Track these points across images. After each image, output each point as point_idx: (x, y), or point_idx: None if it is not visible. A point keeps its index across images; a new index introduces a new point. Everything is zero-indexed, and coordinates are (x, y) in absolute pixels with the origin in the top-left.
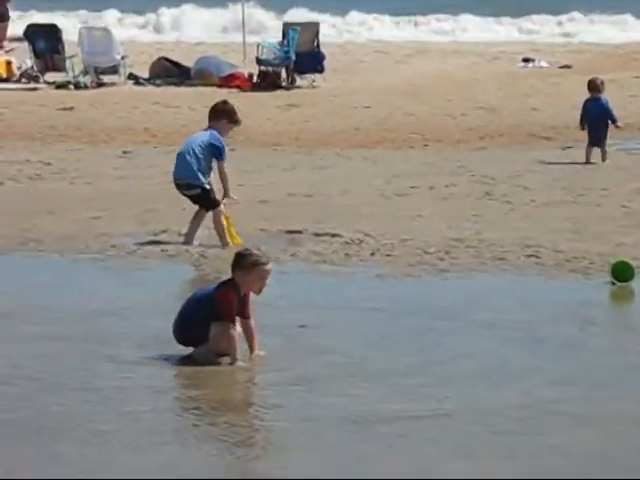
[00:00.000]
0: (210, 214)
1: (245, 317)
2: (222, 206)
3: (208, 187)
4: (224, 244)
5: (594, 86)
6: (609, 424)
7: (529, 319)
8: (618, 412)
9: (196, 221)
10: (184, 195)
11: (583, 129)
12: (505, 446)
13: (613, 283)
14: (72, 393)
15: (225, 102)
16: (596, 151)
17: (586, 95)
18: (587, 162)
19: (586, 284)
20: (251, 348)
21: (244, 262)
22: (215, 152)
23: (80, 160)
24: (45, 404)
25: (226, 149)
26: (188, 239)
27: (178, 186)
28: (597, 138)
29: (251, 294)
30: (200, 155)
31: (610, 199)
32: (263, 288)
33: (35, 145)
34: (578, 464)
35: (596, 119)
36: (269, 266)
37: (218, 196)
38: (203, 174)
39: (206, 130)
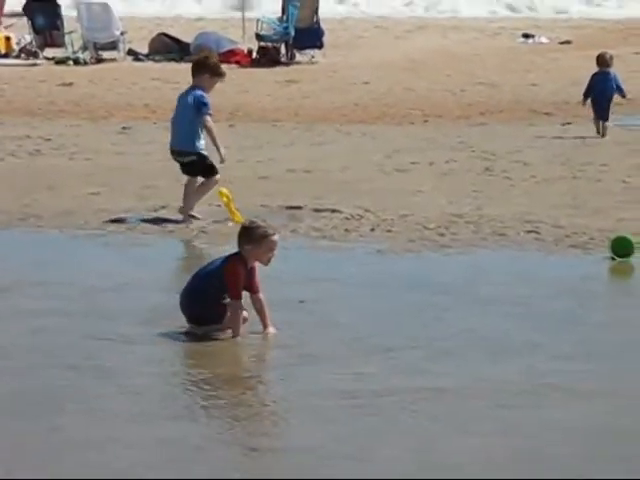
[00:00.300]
0: (200, 180)
1: (254, 292)
2: (217, 176)
3: (204, 153)
4: (185, 210)
5: (603, 60)
6: (610, 399)
7: (529, 294)
8: (619, 387)
9: (188, 194)
10: (178, 162)
11: (584, 104)
12: (507, 421)
13: (613, 258)
14: (73, 368)
15: (207, 57)
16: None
17: (587, 70)
18: (598, 133)
19: (586, 259)
20: (264, 324)
21: (253, 235)
22: (198, 108)
23: (79, 136)
24: (45, 379)
25: (209, 103)
26: (185, 216)
27: (173, 153)
28: (603, 112)
29: (257, 269)
30: (188, 119)
31: (610, 175)
32: (271, 259)
33: (35, 121)
34: (580, 439)
35: (602, 93)
36: (277, 237)
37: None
38: (197, 139)
39: (189, 90)
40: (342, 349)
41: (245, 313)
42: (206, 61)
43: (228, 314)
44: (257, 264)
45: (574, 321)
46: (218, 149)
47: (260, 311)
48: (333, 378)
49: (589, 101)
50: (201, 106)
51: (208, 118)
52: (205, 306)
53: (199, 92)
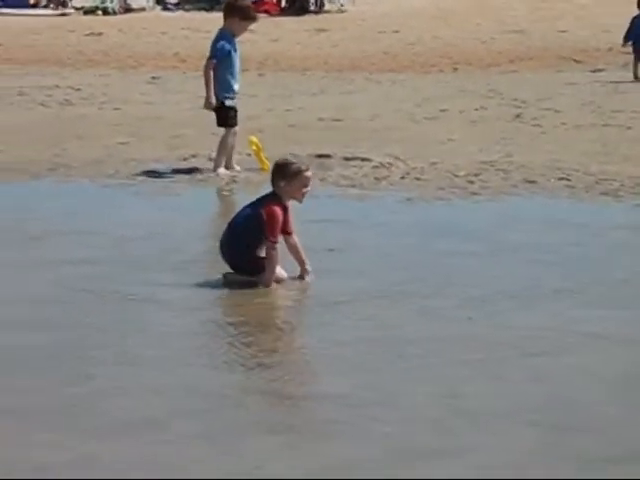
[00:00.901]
0: (225, 132)
1: (289, 233)
2: (234, 129)
3: (227, 103)
4: (216, 166)
5: None
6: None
7: (560, 242)
8: None
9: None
10: None
11: (625, 45)
12: (535, 368)
13: None
14: (104, 316)
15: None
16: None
17: (617, 17)
18: (636, 78)
19: (617, 206)
20: (301, 263)
21: (286, 171)
22: (210, 50)
23: (108, 85)
24: (77, 327)
25: (223, 48)
26: (216, 172)
27: None
28: None
29: (291, 210)
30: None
31: None
32: (305, 195)
33: (64, 71)
34: (609, 386)
35: None
36: (310, 172)
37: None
38: (221, 85)
39: (216, 35)
40: (371, 297)
41: (283, 274)
42: (236, 4)
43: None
44: (290, 205)
45: (604, 268)
46: (207, 96)
47: (296, 252)
48: (362, 326)
49: (628, 44)
50: (211, 49)
51: (207, 62)
52: (245, 252)
53: (218, 35)
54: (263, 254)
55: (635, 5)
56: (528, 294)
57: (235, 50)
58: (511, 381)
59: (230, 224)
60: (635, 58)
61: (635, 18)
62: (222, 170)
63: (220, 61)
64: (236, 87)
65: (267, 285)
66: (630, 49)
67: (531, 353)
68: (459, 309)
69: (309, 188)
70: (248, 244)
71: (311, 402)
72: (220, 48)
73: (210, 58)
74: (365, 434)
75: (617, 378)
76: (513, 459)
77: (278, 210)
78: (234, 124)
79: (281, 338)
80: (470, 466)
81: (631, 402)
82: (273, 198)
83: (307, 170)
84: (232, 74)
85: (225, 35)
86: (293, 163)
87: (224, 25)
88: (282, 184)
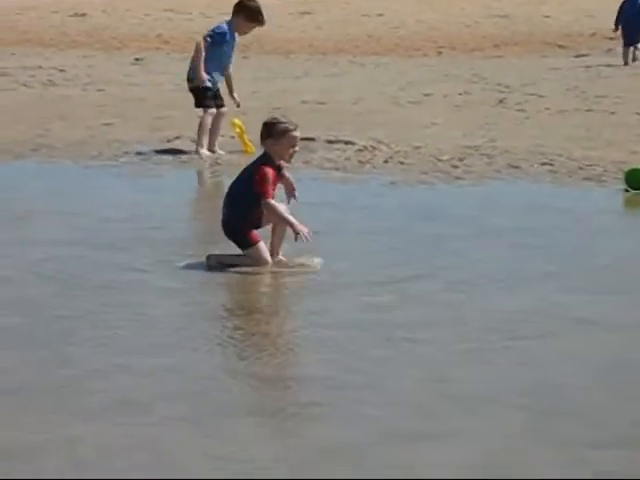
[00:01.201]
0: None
1: (280, 175)
2: (211, 110)
3: (205, 84)
4: (198, 147)
5: None
6: (625, 330)
7: (542, 226)
8: (632, 319)
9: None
10: None
11: (616, 30)
12: (522, 352)
13: (627, 190)
14: (86, 296)
15: None
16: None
17: (600, 3)
18: (625, 64)
19: (600, 192)
20: (291, 189)
21: (273, 130)
22: (209, 30)
23: (92, 66)
24: (58, 307)
25: (222, 33)
26: (207, 146)
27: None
28: (632, 38)
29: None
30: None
31: (624, 107)
32: (293, 155)
33: (47, 51)
34: (595, 371)
35: (632, 20)
36: (298, 132)
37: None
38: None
39: None
40: (355, 280)
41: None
42: (247, 3)
43: (256, 239)
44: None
45: (588, 253)
46: (198, 71)
47: (286, 180)
48: (345, 309)
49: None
50: (209, 30)
51: (202, 44)
52: (243, 215)
53: (222, 25)
54: (255, 223)
55: None
56: (514, 278)
57: (231, 48)
58: (498, 365)
59: (229, 190)
60: (624, 43)
61: (624, 3)
62: (204, 151)
63: (213, 44)
64: (216, 77)
65: (293, 226)
66: (618, 34)
67: (518, 337)
68: (447, 293)
69: (297, 148)
70: (245, 206)
71: (298, 385)
72: (219, 33)
73: (205, 37)
74: (352, 417)
75: (603, 363)
76: (500, 443)
77: (268, 169)
78: (210, 105)
79: (263, 321)
80: (457, 450)
81: (617, 387)
82: (264, 159)
83: (294, 130)
84: (217, 67)
85: (229, 26)
86: (281, 122)
87: (231, 18)
88: (269, 143)
